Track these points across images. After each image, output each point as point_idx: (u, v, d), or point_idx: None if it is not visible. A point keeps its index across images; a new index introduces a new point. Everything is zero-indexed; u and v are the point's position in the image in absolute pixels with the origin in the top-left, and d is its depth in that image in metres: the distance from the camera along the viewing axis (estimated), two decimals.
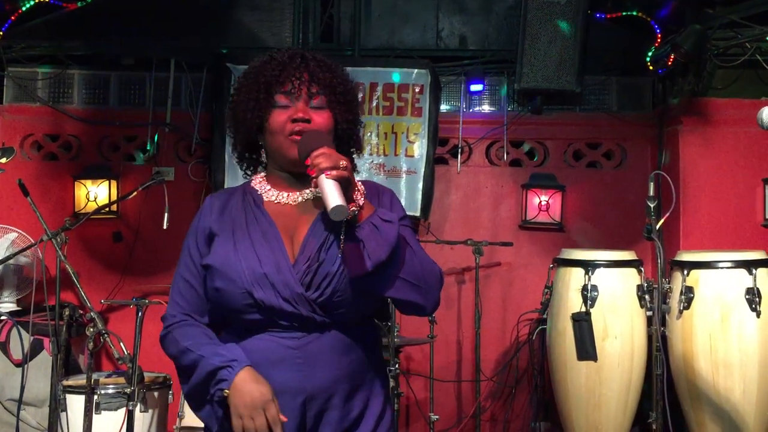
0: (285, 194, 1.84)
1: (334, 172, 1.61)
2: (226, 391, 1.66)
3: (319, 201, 1.65)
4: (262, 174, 1.90)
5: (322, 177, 1.61)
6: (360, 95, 4.98)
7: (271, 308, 1.71)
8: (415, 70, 4.97)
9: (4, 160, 4.01)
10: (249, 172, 1.93)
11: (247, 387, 1.65)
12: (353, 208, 1.65)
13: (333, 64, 1.85)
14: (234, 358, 1.69)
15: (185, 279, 1.84)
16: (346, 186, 1.63)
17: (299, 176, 1.80)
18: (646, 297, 3.82)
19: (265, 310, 1.72)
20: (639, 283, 3.94)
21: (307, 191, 1.82)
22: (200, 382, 1.71)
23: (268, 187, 1.86)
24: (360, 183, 1.72)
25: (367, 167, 4.95)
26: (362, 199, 1.69)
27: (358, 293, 1.72)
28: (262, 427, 1.63)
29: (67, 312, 3.90)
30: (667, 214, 3.79)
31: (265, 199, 1.84)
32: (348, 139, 1.88)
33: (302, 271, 1.72)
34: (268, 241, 1.76)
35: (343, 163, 1.63)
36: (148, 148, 5.11)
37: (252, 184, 1.89)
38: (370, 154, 4.97)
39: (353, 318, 1.77)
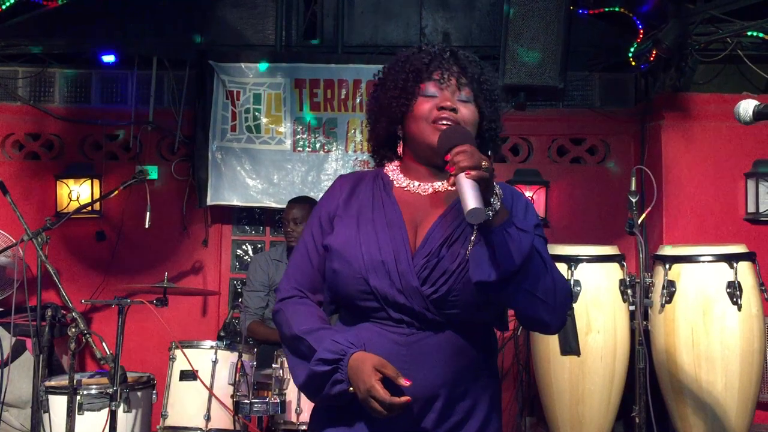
0: (416, 183, 1.79)
1: (474, 173, 1.53)
2: (350, 389, 1.65)
3: (449, 195, 1.60)
4: (397, 162, 1.85)
5: (461, 176, 1.54)
6: (344, 92, 4.98)
7: (385, 297, 1.68)
8: None
9: None
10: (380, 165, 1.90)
11: (355, 382, 1.64)
12: (489, 212, 1.57)
13: (481, 62, 1.81)
14: (341, 353, 1.66)
15: (303, 255, 1.83)
16: (485, 188, 1.56)
17: (436, 168, 1.77)
18: (629, 291, 3.83)
19: (378, 298, 1.69)
20: (621, 277, 3.95)
21: (438, 183, 1.78)
22: (315, 380, 1.71)
23: (401, 174, 1.82)
24: (498, 187, 1.65)
25: (351, 164, 4.95)
26: (499, 203, 1.62)
27: (476, 297, 1.66)
28: (382, 413, 1.61)
29: (49, 312, 3.88)
30: (649, 209, 3.81)
31: (396, 185, 1.80)
32: (489, 139, 1.84)
33: (420, 265, 1.68)
34: (391, 229, 1.73)
35: (485, 163, 1.56)
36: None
37: (385, 170, 1.85)
38: (355, 151, 4.97)
39: (468, 321, 1.71)
